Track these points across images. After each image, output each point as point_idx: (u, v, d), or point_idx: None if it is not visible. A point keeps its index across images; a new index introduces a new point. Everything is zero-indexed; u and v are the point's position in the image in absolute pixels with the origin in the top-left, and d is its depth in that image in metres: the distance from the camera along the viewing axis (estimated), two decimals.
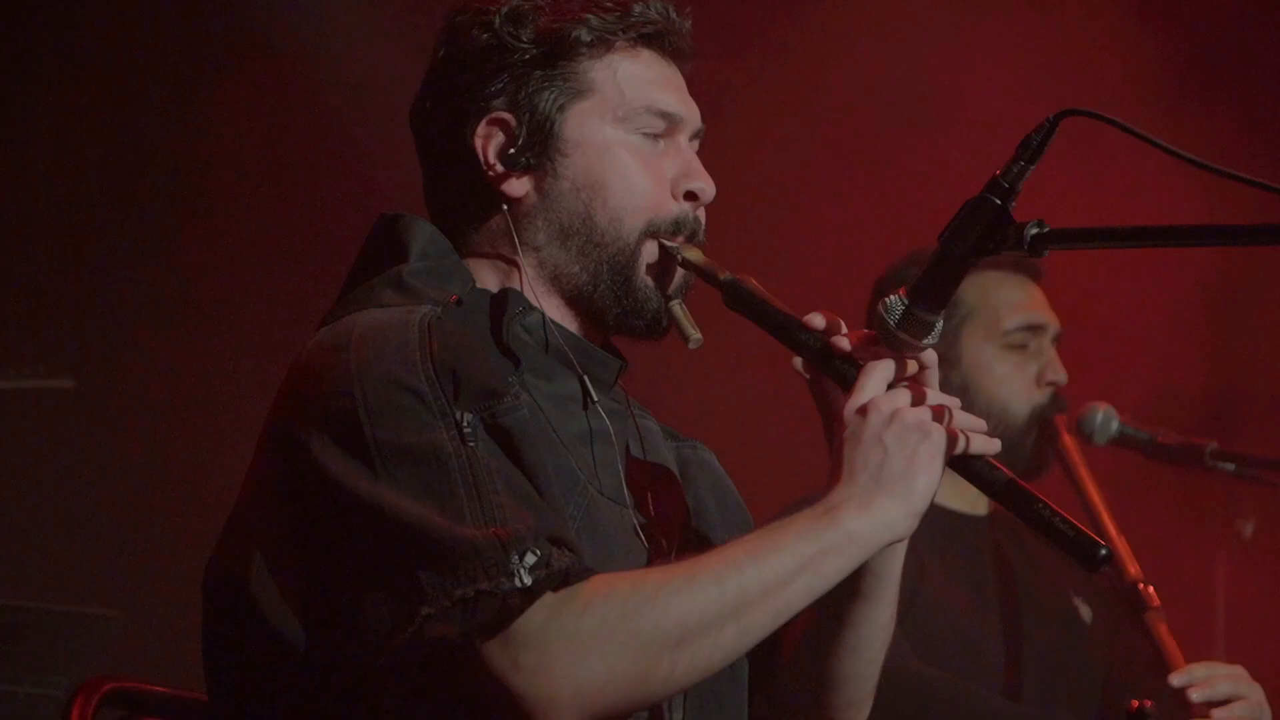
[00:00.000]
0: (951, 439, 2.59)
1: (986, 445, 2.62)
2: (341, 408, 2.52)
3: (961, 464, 2.61)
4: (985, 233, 2.58)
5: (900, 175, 5.36)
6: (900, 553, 2.77)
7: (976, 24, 5.50)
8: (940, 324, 2.66)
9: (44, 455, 5.46)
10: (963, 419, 2.62)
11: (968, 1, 5.51)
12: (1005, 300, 4.40)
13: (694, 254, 2.77)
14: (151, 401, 5.50)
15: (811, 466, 2.77)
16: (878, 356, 2.65)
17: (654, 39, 2.80)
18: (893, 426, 2.57)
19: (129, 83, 5.58)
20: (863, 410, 2.59)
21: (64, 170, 5.55)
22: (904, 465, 2.56)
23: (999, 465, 2.62)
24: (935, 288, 2.63)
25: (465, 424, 2.52)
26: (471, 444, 2.51)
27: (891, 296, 2.65)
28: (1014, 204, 2.58)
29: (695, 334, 2.76)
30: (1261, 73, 5.63)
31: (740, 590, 2.49)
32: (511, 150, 2.75)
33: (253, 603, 2.57)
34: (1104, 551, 2.53)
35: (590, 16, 2.76)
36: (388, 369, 2.53)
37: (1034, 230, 2.56)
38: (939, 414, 2.60)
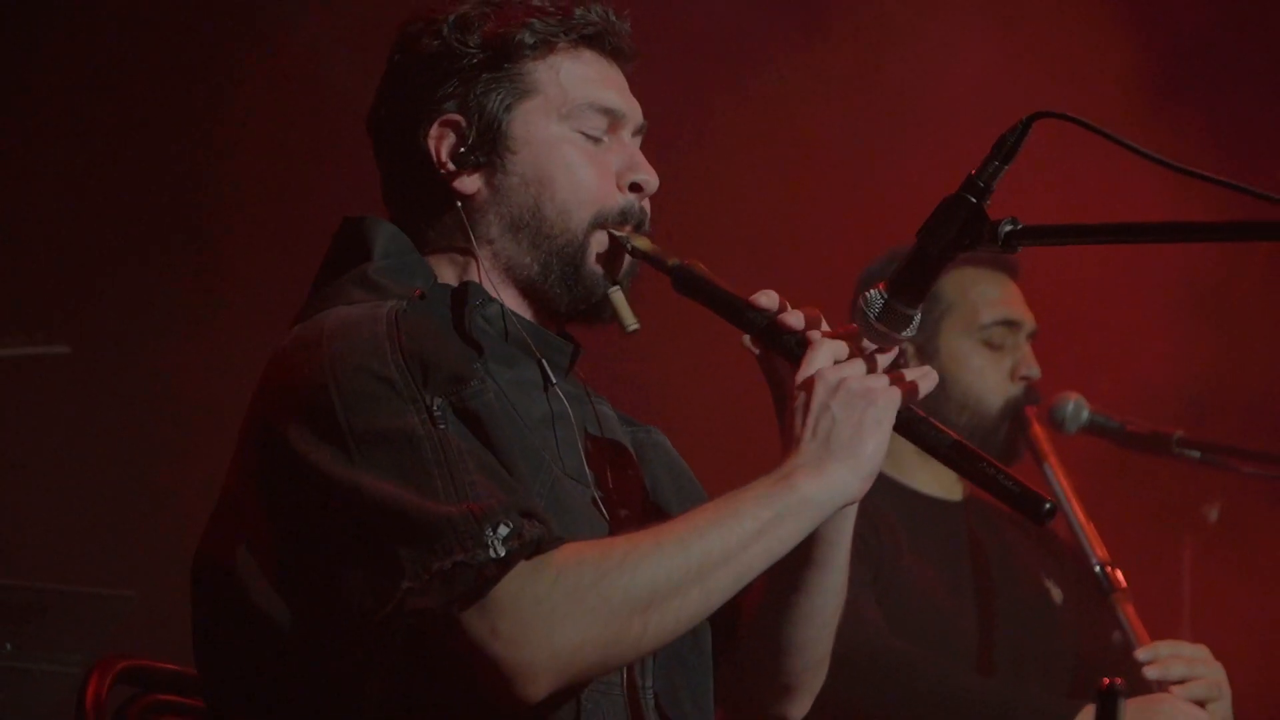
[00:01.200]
0: (898, 399, 2.60)
1: (927, 384, 2.63)
2: (317, 399, 2.54)
3: (909, 428, 2.62)
4: (961, 229, 2.58)
5: (883, 178, 5.35)
6: (849, 519, 2.79)
7: (954, 33, 5.49)
8: (918, 317, 2.66)
9: (57, 435, 5.45)
10: (908, 373, 2.64)
11: (946, 12, 5.50)
12: (983, 296, 4.40)
13: (642, 242, 2.78)
14: (168, 389, 5.48)
15: (764, 446, 2.77)
16: (824, 331, 2.67)
17: (594, 40, 2.83)
18: (839, 395, 2.58)
19: (131, 56, 5.55)
20: (810, 381, 2.61)
21: (61, 139, 5.53)
22: (852, 431, 2.58)
23: (944, 428, 2.63)
24: (913, 282, 2.64)
25: (435, 408, 2.54)
26: (442, 426, 2.53)
27: (871, 291, 2.66)
28: (989, 202, 2.58)
29: (632, 321, 2.78)
30: (1228, 76, 5.63)
31: (704, 554, 2.51)
32: (462, 149, 2.77)
33: (240, 588, 2.58)
34: (1048, 505, 2.55)
35: (533, 20, 2.79)
36: (359, 360, 2.55)
37: (1008, 227, 2.57)
38: (884, 379, 2.61)
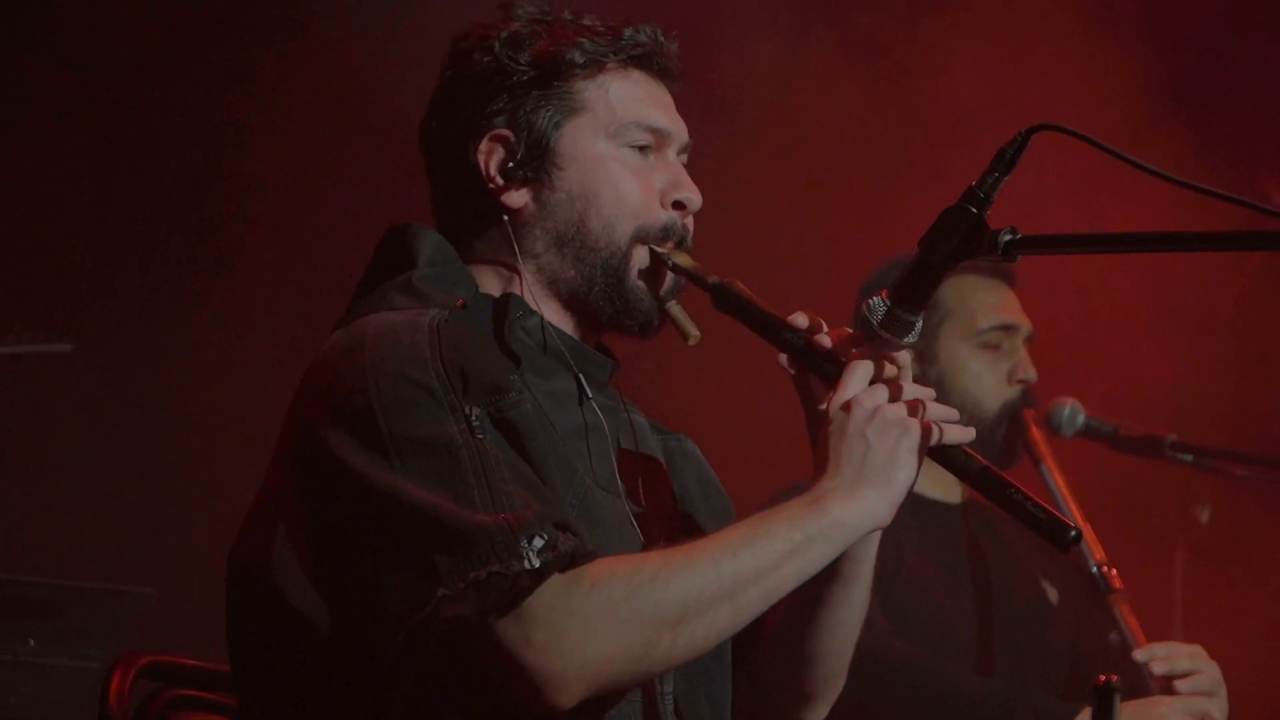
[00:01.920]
0: (928, 431, 2.61)
1: (961, 435, 2.64)
2: (358, 404, 2.53)
3: (939, 454, 2.63)
4: (962, 239, 2.59)
5: (886, 191, 5.36)
6: (875, 538, 2.78)
7: (955, 51, 5.51)
8: (920, 323, 2.67)
9: (76, 435, 5.45)
10: (937, 410, 2.64)
11: (950, 31, 5.52)
12: (981, 302, 4.40)
13: (683, 259, 2.78)
14: (183, 390, 5.48)
15: (792, 457, 2.78)
16: (858, 354, 2.66)
17: (643, 60, 2.81)
18: (875, 422, 2.59)
19: (137, 48, 5.54)
20: (846, 406, 2.61)
21: (62, 136, 5.50)
22: (885, 458, 2.58)
23: (974, 454, 2.64)
24: (915, 290, 2.64)
25: (474, 418, 2.53)
26: (480, 436, 2.52)
27: (875, 298, 2.67)
28: (989, 212, 2.59)
29: (694, 331, 2.77)
30: (1225, 89, 5.64)
31: (735, 573, 2.51)
32: (511, 164, 2.76)
33: (275, 587, 2.57)
34: (1073, 532, 2.55)
35: (583, 40, 2.78)
36: (400, 367, 2.54)
37: (1007, 236, 2.58)
38: (915, 408, 2.61)
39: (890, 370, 2.66)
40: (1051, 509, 2.57)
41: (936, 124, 5.41)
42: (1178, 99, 5.47)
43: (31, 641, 4.72)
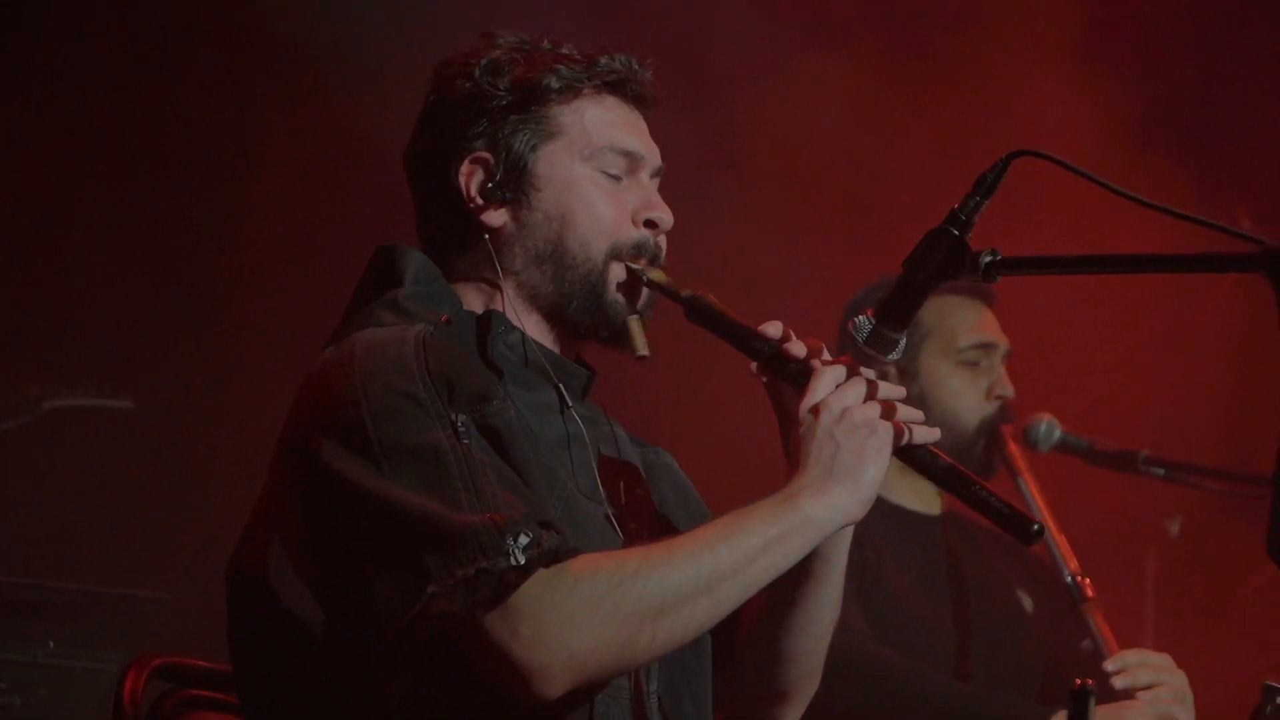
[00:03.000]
0: (895, 431, 2.62)
1: (927, 435, 2.65)
2: (349, 415, 2.55)
3: (906, 453, 2.64)
4: (944, 260, 2.60)
5: (877, 215, 5.37)
6: (846, 539, 2.80)
7: (948, 78, 5.52)
8: (903, 341, 2.68)
9: (102, 460, 5.46)
10: (903, 411, 2.65)
11: (943, 59, 5.53)
12: (961, 321, 4.41)
13: (657, 274, 2.80)
14: (198, 415, 5.50)
15: (768, 472, 2.77)
16: (826, 360, 2.67)
17: (617, 86, 2.84)
18: (843, 423, 2.60)
19: (191, 110, 5.57)
20: (815, 409, 2.62)
21: (124, 201, 5.53)
22: (854, 458, 2.59)
23: (939, 453, 2.65)
24: (899, 309, 2.65)
25: (460, 424, 2.55)
26: (466, 441, 2.54)
27: (860, 317, 2.68)
28: (970, 234, 2.58)
29: (643, 348, 2.79)
30: (1207, 122, 5.66)
31: (713, 567, 2.52)
32: (491, 185, 2.78)
33: (272, 592, 2.59)
34: (1036, 526, 2.56)
35: (560, 67, 2.81)
36: (388, 379, 2.57)
37: (988, 258, 2.59)
38: (885, 409, 2.62)
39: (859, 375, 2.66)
40: (1015, 505, 2.57)
41: (928, 150, 5.42)
42: (1165, 127, 5.48)
43: (51, 644, 4.73)
